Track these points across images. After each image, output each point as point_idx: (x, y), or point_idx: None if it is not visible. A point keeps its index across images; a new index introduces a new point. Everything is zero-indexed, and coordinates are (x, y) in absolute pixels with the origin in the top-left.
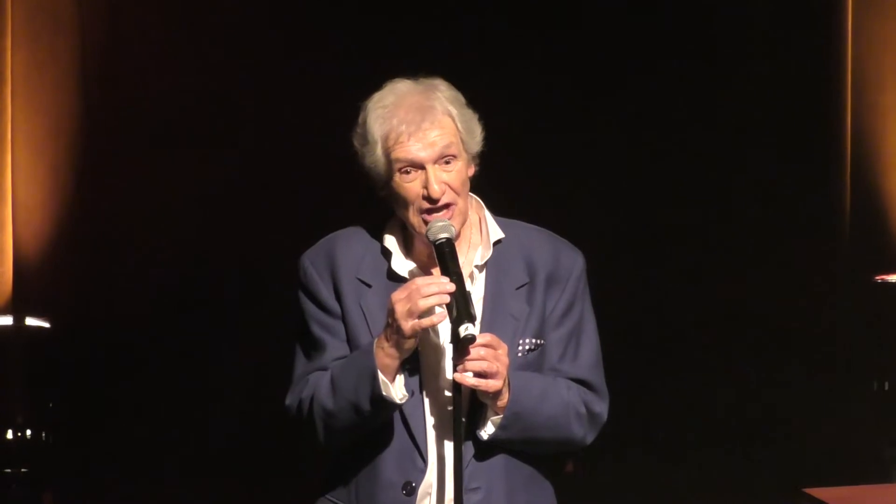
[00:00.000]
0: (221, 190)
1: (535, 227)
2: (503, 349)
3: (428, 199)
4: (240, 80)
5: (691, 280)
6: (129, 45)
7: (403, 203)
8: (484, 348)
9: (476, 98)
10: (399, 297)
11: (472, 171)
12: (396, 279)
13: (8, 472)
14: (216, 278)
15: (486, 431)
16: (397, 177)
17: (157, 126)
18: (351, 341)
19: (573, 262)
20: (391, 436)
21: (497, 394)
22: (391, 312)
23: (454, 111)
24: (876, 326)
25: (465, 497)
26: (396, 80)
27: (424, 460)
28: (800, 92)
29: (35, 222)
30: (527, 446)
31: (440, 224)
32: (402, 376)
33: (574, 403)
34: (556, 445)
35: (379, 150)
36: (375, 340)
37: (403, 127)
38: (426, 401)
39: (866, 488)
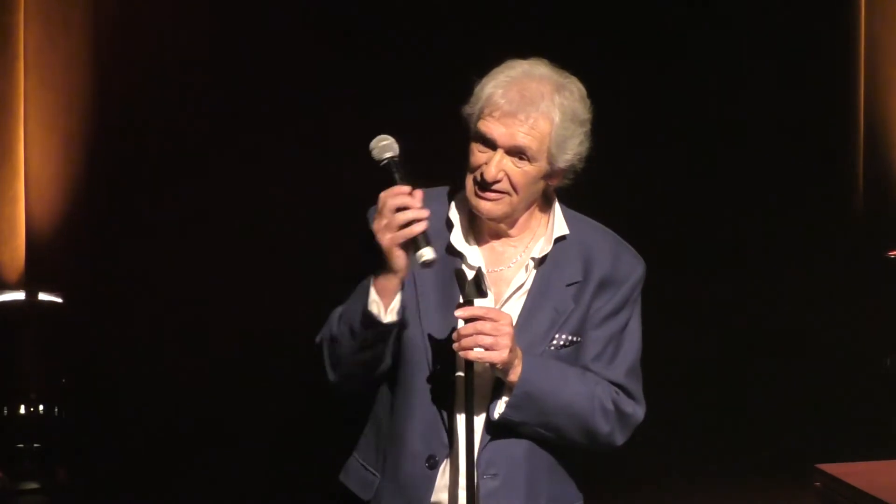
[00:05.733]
0: (236, 159)
1: (604, 227)
2: (505, 320)
3: (482, 176)
4: (253, 52)
5: (696, 255)
6: (143, 18)
7: (468, 165)
8: (482, 320)
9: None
10: (377, 211)
11: (556, 180)
12: (454, 253)
13: (21, 447)
14: (232, 247)
15: (498, 410)
16: (473, 143)
17: (172, 99)
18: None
19: (632, 269)
20: (421, 408)
21: (507, 370)
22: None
23: (557, 119)
24: (889, 302)
25: (481, 482)
26: (542, 60)
27: (450, 436)
28: (813, 67)
29: (48, 196)
30: (547, 433)
31: (384, 143)
32: (398, 300)
33: (601, 397)
34: (579, 436)
35: (477, 107)
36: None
37: (503, 102)
38: (461, 384)
39: (880, 464)
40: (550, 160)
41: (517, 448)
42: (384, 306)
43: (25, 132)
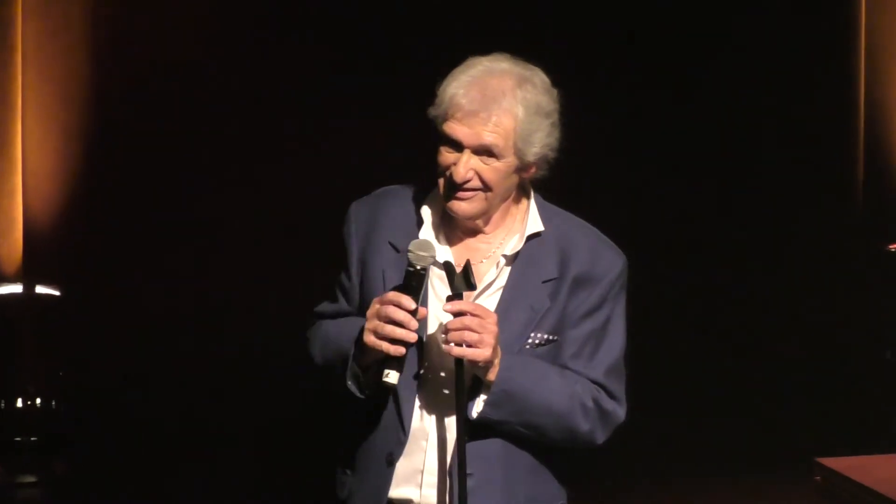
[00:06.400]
0: (235, 154)
1: (584, 223)
2: (491, 318)
3: (450, 177)
4: (252, 48)
5: (701, 252)
6: (142, 11)
7: (437, 167)
8: (469, 317)
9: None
10: (374, 306)
11: (529, 173)
12: None
13: (18, 441)
14: (232, 244)
15: (476, 409)
16: (441, 144)
17: (170, 92)
18: (366, 305)
19: (610, 266)
20: (380, 405)
21: (488, 368)
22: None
23: (521, 114)
24: (890, 296)
25: (456, 481)
26: (503, 54)
27: (406, 433)
28: (813, 60)
29: (45, 189)
30: (526, 431)
31: (420, 253)
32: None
33: (581, 395)
34: (559, 434)
35: (441, 109)
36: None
37: (465, 102)
38: (421, 375)
39: (878, 458)
40: (519, 155)
41: (493, 447)
42: (360, 373)
43: (23, 125)
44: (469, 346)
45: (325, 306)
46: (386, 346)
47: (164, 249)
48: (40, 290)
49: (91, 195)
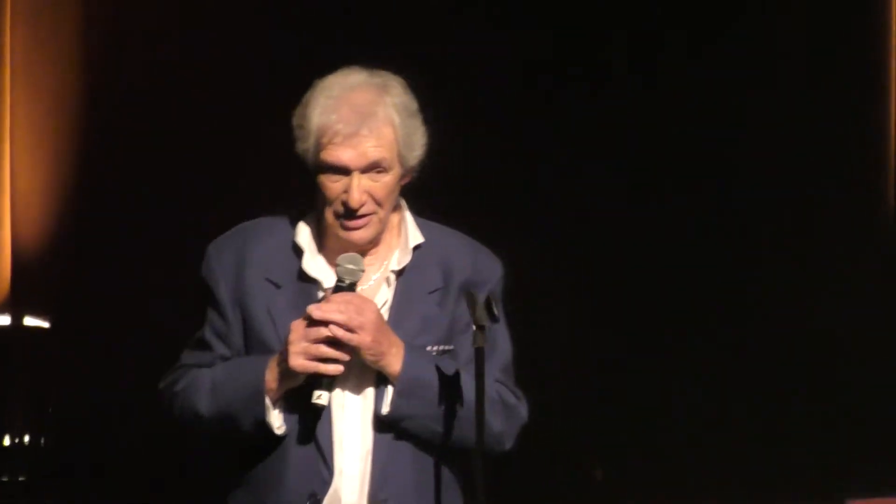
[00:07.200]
0: (231, 177)
1: (456, 231)
2: (370, 307)
3: (345, 205)
4: (249, 60)
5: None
6: (136, 20)
7: (323, 199)
8: (345, 304)
9: None
10: (298, 330)
11: (406, 179)
12: (308, 280)
13: (5, 481)
14: None
15: (387, 403)
16: (322, 175)
17: (167, 109)
18: (257, 345)
19: (491, 270)
20: (297, 443)
21: (385, 361)
22: (287, 341)
23: (397, 121)
24: None
25: None
26: (351, 68)
27: (330, 470)
28: (843, 66)
29: (35, 212)
30: (438, 428)
31: (349, 267)
32: (279, 410)
33: (488, 388)
34: (472, 433)
35: (312, 141)
36: (269, 360)
37: (340, 126)
38: (336, 407)
39: None
40: (403, 162)
41: (406, 470)
42: (272, 408)
43: (11, 142)
44: (349, 331)
45: (196, 356)
46: (323, 367)
47: (161, 279)
48: (29, 321)
49: (85, 219)
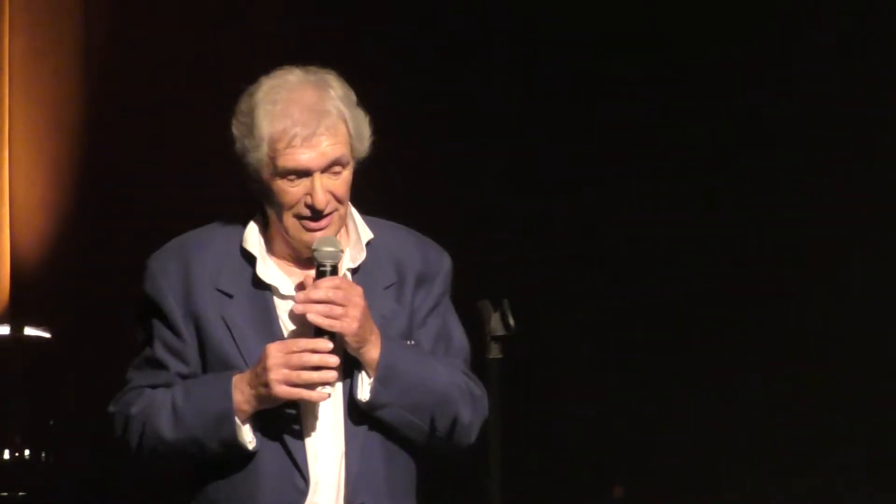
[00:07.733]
0: (230, 189)
1: (401, 226)
2: (356, 291)
3: (311, 207)
4: (248, 66)
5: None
6: (134, 30)
7: (280, 205)
8: (333, 290)
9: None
10: (277, 356)
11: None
12: (262, 286)
13: (5, 496)
14: None
15: (365, 391)
16: (280, 181)
17: (165, 116)
18: (216, 358)
19: (440, 262)
20: (268, 456)
21: (365, 348)
22: (264, 367)
23: (347, 114)
24: None
25: None
26: (286, 69)
27: (306, 480)
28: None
29: (35, 222)
30: (414, 418)
31: (328, 249)
32: (248, 424)
33: (456, 377)
34: (443, 423)
35: (264, 149)
36: (234, 379)
37: (297, 130)
38: (306, 415)
39: None
40: (356, 155)
41: (379, 473)
42: (241, 426)
43: (10, 152)
44: (335, 318)
45: (148, 376)
46: (307, 394)
47: None
48: (29, 331)
49: (84, 228)
